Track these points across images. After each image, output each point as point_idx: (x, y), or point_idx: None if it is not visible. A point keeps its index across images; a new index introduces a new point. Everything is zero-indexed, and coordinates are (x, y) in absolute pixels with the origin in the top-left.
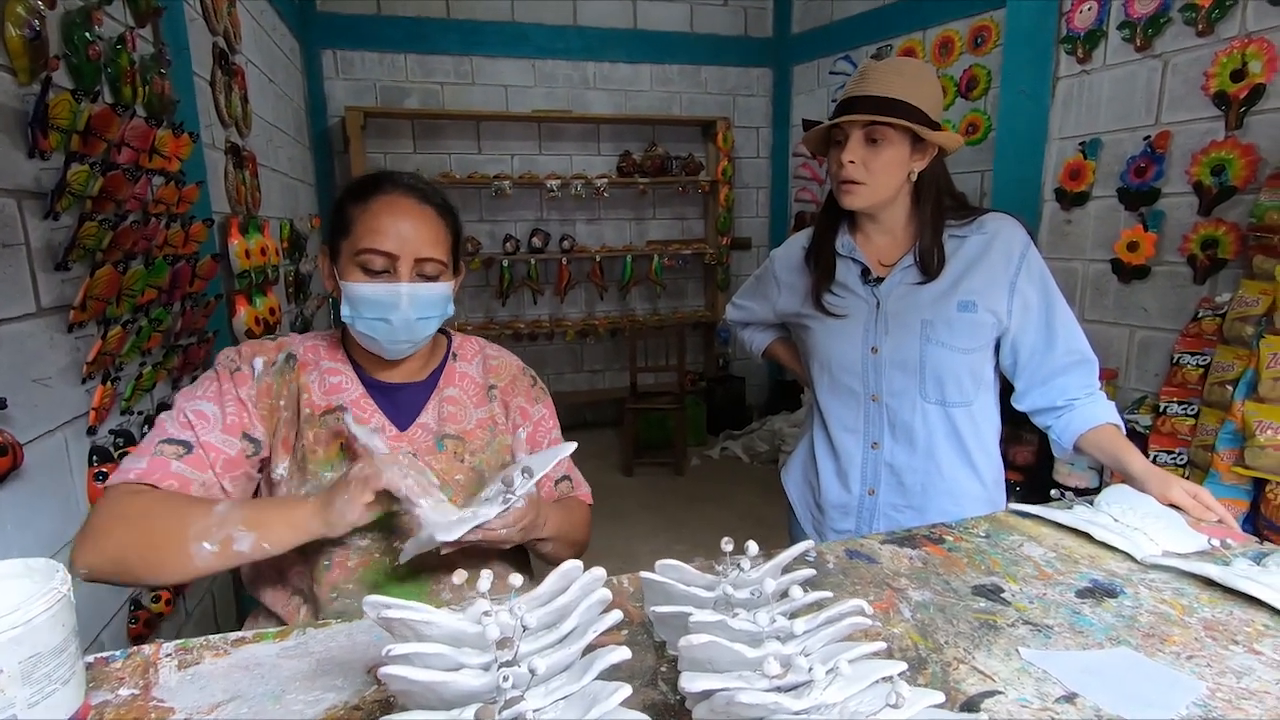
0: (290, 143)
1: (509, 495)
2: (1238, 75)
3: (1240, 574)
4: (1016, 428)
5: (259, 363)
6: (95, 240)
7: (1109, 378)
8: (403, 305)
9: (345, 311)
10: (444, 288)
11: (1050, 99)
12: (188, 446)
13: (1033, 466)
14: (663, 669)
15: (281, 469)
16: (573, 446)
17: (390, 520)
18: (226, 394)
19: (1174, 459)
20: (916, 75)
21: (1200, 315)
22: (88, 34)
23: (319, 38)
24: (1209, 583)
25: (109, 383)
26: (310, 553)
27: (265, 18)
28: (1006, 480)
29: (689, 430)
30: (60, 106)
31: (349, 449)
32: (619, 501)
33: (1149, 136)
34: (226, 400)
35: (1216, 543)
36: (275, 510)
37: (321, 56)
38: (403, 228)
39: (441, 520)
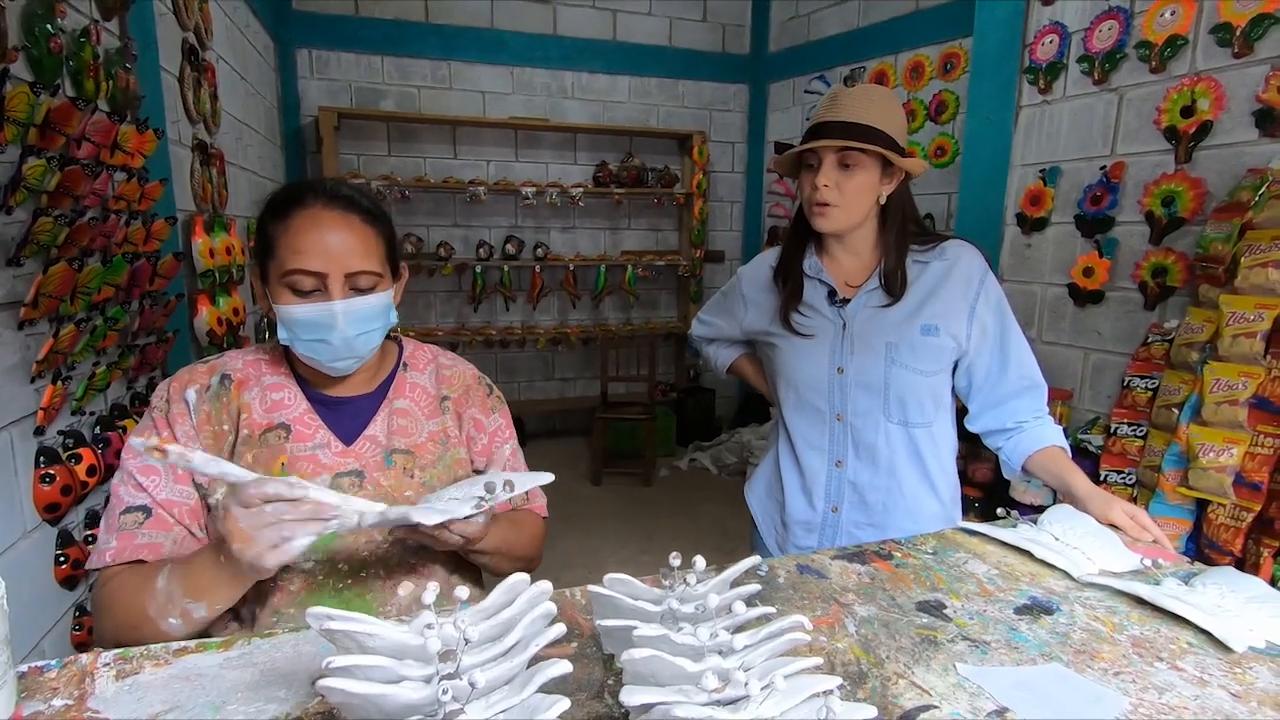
0: (261, 141)
1: (485, 499)
2: (1187, 111)
3: (1169, 594)
4: (975, 446)
5: (191, 394)
6: (50, 236)
7: (1064, 398)
8: (339, 324)
9: (282, 334)
10: (381, 298)
11: (1013, 126)
12: (146, 511)
13: (990, 484)
14: (610, 682)
15: (220, 494)
16: (550, 477)
17: (331, 540)
18: (169, 440)
19: (1123, 479)
20: (886, 102)
21: (1150, 340)
22: (49, 26)
23: (294, 36)
24: (1140, 601)
25: (60, 382)
26: None
27: (238, 14)
28: (965, 497)
29: (658, 441)
30: (17, 99)
31: (291, 467)
32: (587, 511)
33: (1105, 166)
34: (172, 446)
35: (1149, 562)
36: (208, 574)
37: (296, 55)
38: (328, 242)
39: (391, 511)
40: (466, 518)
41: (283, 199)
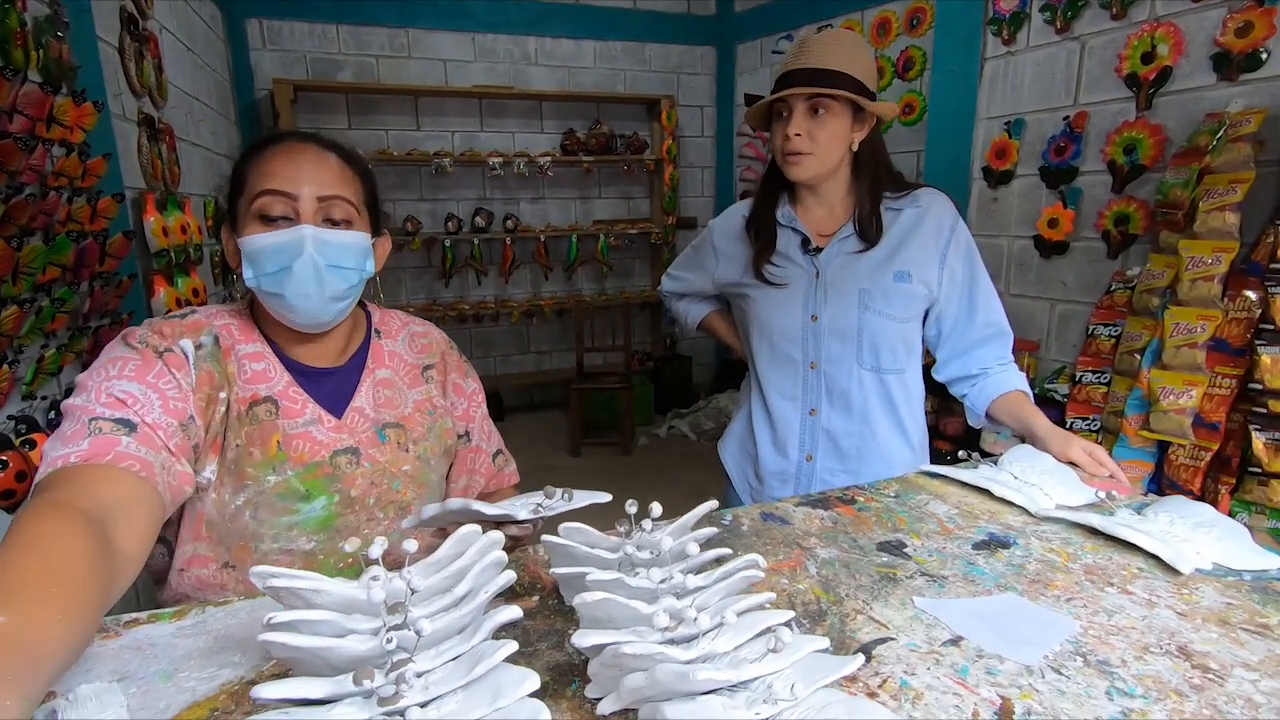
0: (214, 116)
1: (541, 506)
2: (1147, 58)
3: (1121, 522)
4: (946, 400)
5: (188, 345)
6: None
7: (1031, 349)
8: (307, 248)
9: (248, 274)
10: (356, 236)
11: (978, 79)
12: (130, 425)
13: (961, 436)
14: (570, 631)
15: (209, 472)
16: (607, 497)
17: (334, 520)
18: (161, 376)
19: (1088, 425)
20: (854, 47)
21: (1113, 288)
22: None
23: (243, 7)
24: (1094, 532)
25: (6, 365)
26: (241, 558)
27: None
28: (938, 450)
29: (636, 410)
30: None
31: (287, 447)
32: (567, 483)
33: (1068, 117)
34: (162, 382)
35: (1103, 495)
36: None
37: (246, 26)
38: (302, 168)
39: (452, 503)
40: (522, 521)
41: (261, 140)
